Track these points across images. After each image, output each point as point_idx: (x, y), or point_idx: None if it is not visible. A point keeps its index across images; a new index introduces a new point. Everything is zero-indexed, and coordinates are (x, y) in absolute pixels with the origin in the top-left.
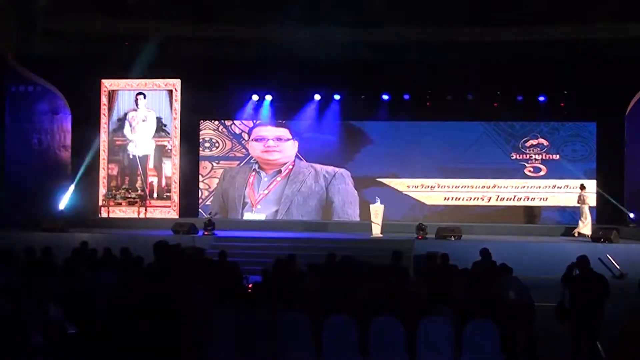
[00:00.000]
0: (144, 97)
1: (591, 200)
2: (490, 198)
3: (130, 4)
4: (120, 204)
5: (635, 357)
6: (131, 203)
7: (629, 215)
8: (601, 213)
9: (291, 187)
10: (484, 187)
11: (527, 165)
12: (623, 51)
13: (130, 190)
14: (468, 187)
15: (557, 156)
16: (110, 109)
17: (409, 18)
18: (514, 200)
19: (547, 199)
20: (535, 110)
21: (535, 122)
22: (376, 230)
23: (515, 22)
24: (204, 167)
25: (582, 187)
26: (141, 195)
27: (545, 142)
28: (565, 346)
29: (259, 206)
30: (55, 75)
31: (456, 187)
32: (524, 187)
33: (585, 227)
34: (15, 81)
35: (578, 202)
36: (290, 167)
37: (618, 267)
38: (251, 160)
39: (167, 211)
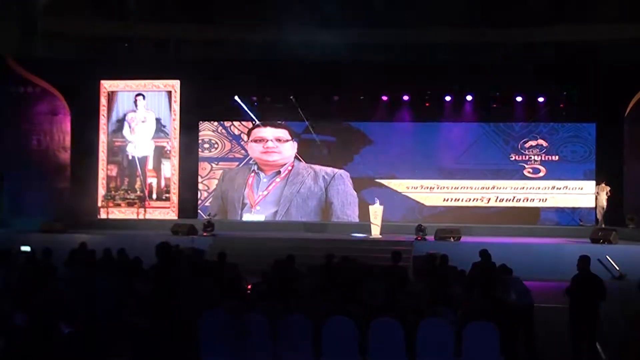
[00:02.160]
0: (143, 98)
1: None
2: (489, 199)
3: (129, 5)
4: (119, 205)
5: (636, 357)
6: (130, 204)
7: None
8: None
9: (290, 188)
10: (483, 188)
11: (526, 166)
12: (622, 52)
13: (129, 191)
14: (467, 188)
15: (557, 157)
16: (109, 110)
17: (408, 19)
18: (513, 201)
19: (546, 200)
20: (535, 111)
21: (534, 123)
22: (375, 231)
23: (514, 23)
24: (203, 168)
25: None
26: (140, 196)
27: (544, 143)
28: (565, 347)
29: (258, 207)
30: (55, 76)
31: (455, 188)
32: (523, 188)
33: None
34: (14, 82)
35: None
36: (290, 168)
37: (617, 268)
38: (250, 161)
39: (166, 212)
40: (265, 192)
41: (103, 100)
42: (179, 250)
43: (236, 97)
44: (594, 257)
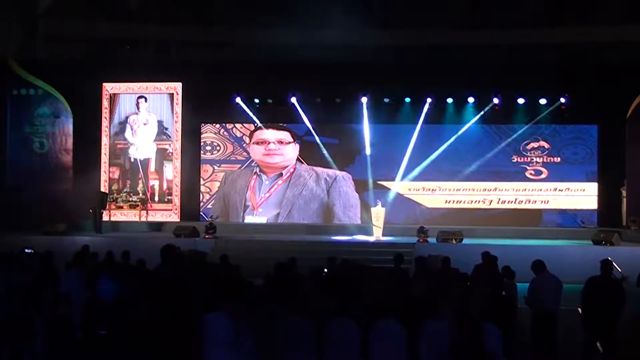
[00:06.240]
0: (145, 101)
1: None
2: (491, 201)
3: (131, 7)
4: (121, 208)
5: (636, 356)
6: (132, 206)
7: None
8: (602, 216)
9: (292, 190)
10: (485, 190)
11: (528, 168)
12: (624, 53)
13: (131, 194)
14: (469, 190)
15: (559, 159)
16: (111, 113)
17: (409, 21)
18: (515, 203)
19: (548, 201)
20: (537, 113)
21: (536, 125)
22: (377, 233)
23: (516, 24)
24: (205, 170)
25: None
26: (142, 199)
27: (546, 145)
28: (568, 347)
29: (260, 209)
30: (57, 78)
31: (457, 190)
32: (525, 190)
33: None
34: (17, 84)
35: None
36: (292, 170)
37: (620, 270)
38: (252, 164)
39: (169, 214)
40: (267, 195)
41: (105, 103)
42: (181, 253)
43: (238, 99)
44: (596, 259)
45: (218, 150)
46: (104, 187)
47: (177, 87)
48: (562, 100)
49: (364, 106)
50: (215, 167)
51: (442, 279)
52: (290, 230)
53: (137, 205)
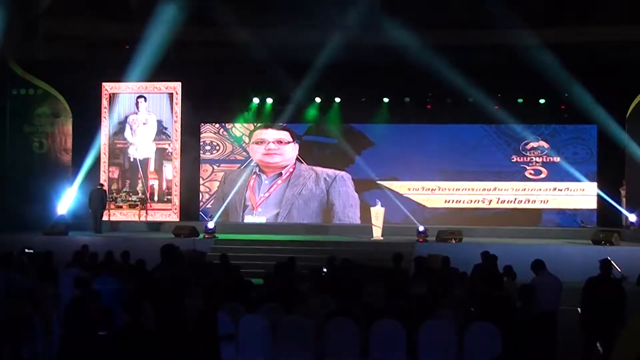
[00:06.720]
0: (145, 100)
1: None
2: (490, 201)
3: (131, 7)
4: (121, 207)
5: (635, 357)
6: (132, 206)
7: (627, 218)
8: (602, 216)
9: (292, 190)
10: (484, 189)
11: (527, 167)
12: (624, 53)
13: (131, 194)
14: (469, 189)
15: (558, 159)
16: (111, 112)
17: (409, 21)
18: (514, 202)
19: (547, 201)
20: (536, 112)
21: (536, 125)
22: (377, 233)
23: (515, 25)
24: (205, 170)
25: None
26: (142, 199)
27: (545, 145)
28: (568, 347)
29: (260, 209)
30: (57, 78)
31: (457, 189)
32: (524, 189)
33: None
34: (16, 84)
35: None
36: (291, 170)
37: (619, 270)
38: (252, 163)
39: (168, 214)
40: (267, 194)
41: (104, 102)
42: (180, 253)
43: (238, 99)
44: (595, 259)
45: (217, 150)
46: (103, 187)
47: (176, 86)
48: (562, 100)
49: (364, 106)
50: (215, 167)
51: (441, 279)
52: (290, 230)
53: (137, 205)
